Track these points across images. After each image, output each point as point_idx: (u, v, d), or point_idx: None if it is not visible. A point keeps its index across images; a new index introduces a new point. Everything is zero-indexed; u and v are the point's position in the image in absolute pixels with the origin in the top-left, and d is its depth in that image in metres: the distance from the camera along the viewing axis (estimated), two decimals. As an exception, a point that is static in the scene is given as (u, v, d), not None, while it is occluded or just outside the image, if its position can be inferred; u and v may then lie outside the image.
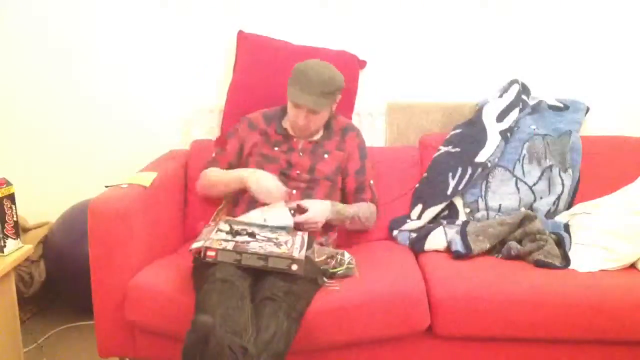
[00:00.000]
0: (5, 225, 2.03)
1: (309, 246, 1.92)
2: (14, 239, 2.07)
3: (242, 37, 2.52)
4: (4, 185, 2.03)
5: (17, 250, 2.08)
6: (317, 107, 2.09)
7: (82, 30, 2.65)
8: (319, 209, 2.09)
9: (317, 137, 2.25)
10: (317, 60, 2.13)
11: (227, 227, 1.93)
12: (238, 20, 2.59)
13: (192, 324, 1.47)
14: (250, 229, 1.92)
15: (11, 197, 2.05)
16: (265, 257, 1.76)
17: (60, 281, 2.54)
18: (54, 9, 2.64)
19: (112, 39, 2.66)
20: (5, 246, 2.03)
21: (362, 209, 2.22)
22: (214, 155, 2.28)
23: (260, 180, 2.05)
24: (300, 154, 2.20)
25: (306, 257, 1.82)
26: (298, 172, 2.18)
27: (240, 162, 2.25)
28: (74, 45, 2.67)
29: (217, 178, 2.22)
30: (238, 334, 1.55)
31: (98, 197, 1.95)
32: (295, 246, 1.84)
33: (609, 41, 2.58)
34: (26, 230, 2.59)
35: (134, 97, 2.70)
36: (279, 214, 2.01)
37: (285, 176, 2.16)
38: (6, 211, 2.03)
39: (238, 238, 1.86)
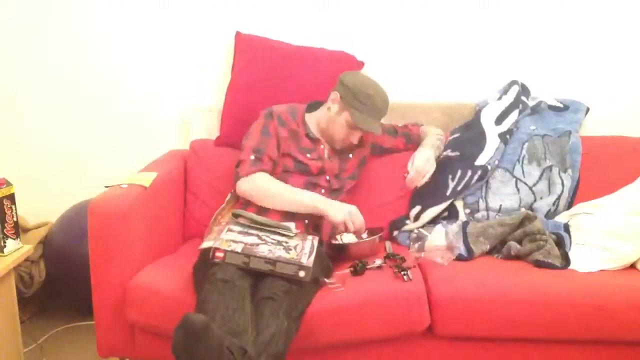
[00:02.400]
0: (5, 225, 2.03)
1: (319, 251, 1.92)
2: (14, 239, 2.07)
3: (240, 37, 2.53)
4: (4, 185, 2.03)
5: (17, 250, 2.09)
6: (380, 131, 2.14)
7: (82, 31, 2.66)
8: (424, 154, 2.23)
9: None
10: (368, 78, 2.14)
11: (238, 228, 1.92)
12: (237, 20, 2.59)
13: (183, 319, 1.45)
14: (259, 231, 1.91)
15: (11, 197, 2.06)
16: (273, 261, 1.76)
17: (60, 281, 2.54)
18: (54, 9, 2.64)
19: (112, 40, 2.66)
20: (5, 246, 2.03)
21: (429, 130, 2.40)
22: (252, 157, 2.11)
23: (354, 216, 2.04)
24: (331, 159, 2.19)
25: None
26: (327, 177, 2.18)
27: (279, 158, 2.17)
28: (74, 46, 2.67)
29: (280, 192, 2.08)
30: (238, 334, 1.55)
31: (98, 197, 1.95)
32: (304, 251, 1.83)
33: (609, 42, 2.58)
34: (26, 230, 2.59)
35: (133, 97, 2.70)
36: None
37: (312, 184, 2.14)
38: (6, 211, 2.03)
39: (247, 239, 1.85)
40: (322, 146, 2.20)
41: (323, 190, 2.16)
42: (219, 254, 1.76)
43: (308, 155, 2.16)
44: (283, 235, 1.93)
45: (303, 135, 2.18)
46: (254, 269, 1.76)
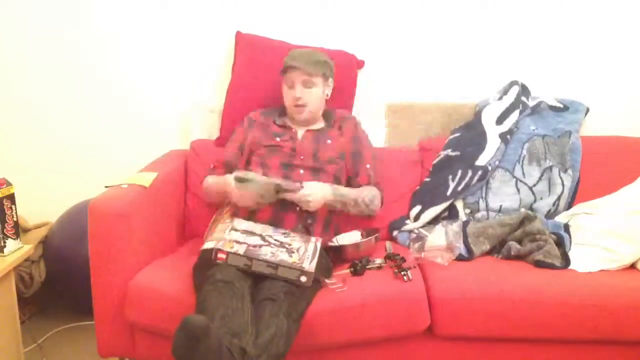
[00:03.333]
0: (5, 225, 2.03)
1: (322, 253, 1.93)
2: (14, 239, 2.07)
3: (240, 37, 2.53)
4: (4, 185, 2.03)
5: (17, 250, 2.09)
6: (311, 69, 2.15)
7: (83, 31, 2.65)
8: (315, 187, 2.03)
9: (317, 126, 2.26)
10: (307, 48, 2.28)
11: (242, 226, 1.92)
12: (237, 20, 2.59)
13: (183, 322, 1.45)
14: (263, 232, 1.91)
15: (11, 197, 2.06)
16: (275, 265, 1.76)
17: (60, 281, 2.54)
18: (54, 9, 2.64)
19: (113, 39, 2.66)
20: (5, 246, 2.04)
21: (364, 192, 2.18)
22: (210, 167, 2.30)
23: (244, 196, 2.01)
24: (303, 140, 2.22)
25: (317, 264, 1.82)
26: (302, 157, 2.18)
27: (240, 160, 2.26)
28: (74, 46, 2.66)
29: (210, 187, 2.23)
30: (238, 335, 1.55)
31: (98, 197, 1.95)
32: (307, 254, 1.83)
33: (609, 42, 2.58)
34: (26, 230, 2.59)
35: (134, 97, 2.70)
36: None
37: (289, 165, 2.16)
38: (6, 211, 2.03)
39: (250, 240, 1.84)
40: (293, 129, 2.25)
41: (302, 171, 2.15)
42: (221, 255, 1.76)
43: (278, 139, 2.21)
44: (287, 236, 1.93)
45: (272, 125, 2.27)
46: (256, 272, 1.76)
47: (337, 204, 2.11)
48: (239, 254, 1.75)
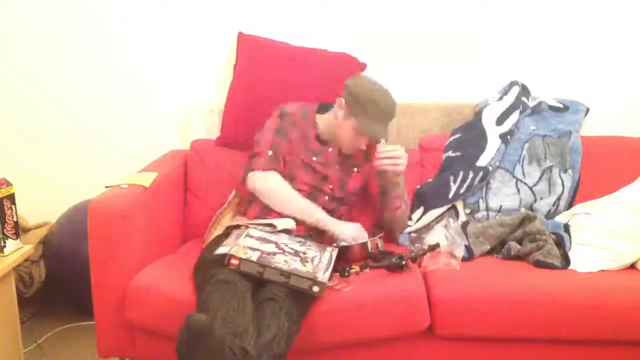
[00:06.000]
0: (5, 225, 2.03)
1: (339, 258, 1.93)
2: (14, 239, 2.07)
3: (242, 38, 2.53)
4: (4, 186, 2.03)
5: (17, 250, 2.09)
6: (388, 137, 2.09)
7: (82, 31, 2.65)
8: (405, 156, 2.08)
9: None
10: (375, 83, 2.10)
11: (257, 234, 1.90)
12: (238, 21, 2.58)
13: (186, 320, 1.46)
14: (279, 240, 1.90)
15: (11, 197, 2.06)
16: (288, 274, 1.74)
17: (60, 281, 2.55)
18: (55, 9, 2.64)
19: (113, 40, 2.66)
20: (5, 246, 2.03)
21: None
22: (270, 153, 2.10)
23: (358, 239, 2.05)
24: (337, 166, 2.17)
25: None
26: (331, 186, 2.16)
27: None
28: (74, 46, 2.66)
29: (291, 199, 2.08)
30: (239, 335, 1.55)
31: (98, 197, 1.95)
32: (321, 264, 1.82)
33: (609, 41, 2.58)
34: (26, 230, 2.59)
35: (134, 97, 2.70)
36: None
37: (318, 189, 2.14)
38: (6, 211, 2.03)
39: (265, 247, 1.82)
40: (330, 149, 2.17)
41: (327, 197, 2.15)
42: (234, 262, 1.74)
43: (314, 159, 2.14)
44: (303, 245, 1.92)
45: (313, 137, 2.17)
46: (268, 280, 1.75)
47: (402, 186, 2.16)
48: (251, 261, 1.73)
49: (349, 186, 2.19)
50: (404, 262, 1.93)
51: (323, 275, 1.76)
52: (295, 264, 1.78)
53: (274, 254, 1.80)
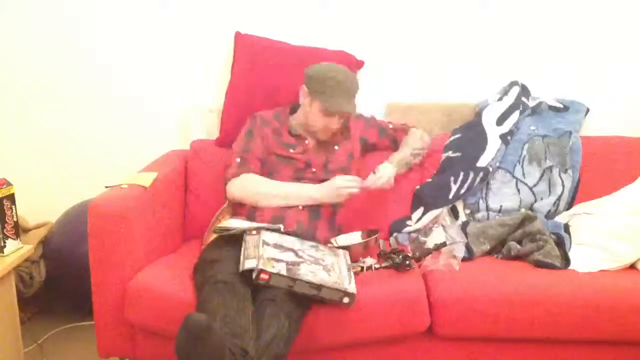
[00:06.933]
0: (5, 225, 2.03)
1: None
2: (14, 239, 2.07)
3: (239, 37, 2.53)
4: (4, 186, 2.04)
5: (17, 250, 2.09)
6: (355, 110, 2.15)
7: (82, 31, 2.65)
8: (384, 169, 2.20)
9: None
10: (330, 64, 2.16)
11: (271, 239, 1.89)
12: (236, 20, 2.58)
13: (185, 320, 1.46)
14: (293, 246, 1.90)
15: (11, 197, 2.06)
16: (318, 286, 1.73)
17: (60, 281, 2.54)
18: (55, 9, 2.64)
19: (112, 40, 2.66)
20: (5, 246, 2.04)
21: (410, 141, 2.36)
22: (238, 159, 2.17)
23: (342, 189, 2.09)
24: (317, 151, 2.21)
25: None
26: (314, 170, 2.18)
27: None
28: (74, 47, 2.66)
29: (270, 190, 2.12)
30: (239, 336, 1.55)
31: (98, 197, 1.95)
32: (342, 273, 1.83)
33: (608, 42, 2.58)
34: (26, 230, 2.59)
35: (133, 97, 2.69)
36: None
37: (301, 178, 2.16)
38: (6, 211, 2.03)
39: (285, 256, 1.82)
40: (306, 141, 2.22)
41: (311, 182, 2.16)
42: (264, 276, 1.72)
43: (292, 150, 2.19)
44: (317, 250, 1.93)
45: (285, 134, 2.22)
46: (297, 292, 1.74)
47: (403, 169, 2.31)
48: (282, 275, 1.72)
49: (332, 164, 2.21)
50: (407, 262, 1.93)
51: (350, 286, 1.77)
52: (321, 274, 1.78)
53: (298, 263, 1.80)
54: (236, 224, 1.96)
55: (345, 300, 1.75)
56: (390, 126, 2.41)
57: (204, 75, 2.66)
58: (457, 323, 1.86)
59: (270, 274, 1.71)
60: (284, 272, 1.73)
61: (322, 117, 2.13)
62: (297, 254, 1.85)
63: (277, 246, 1.86)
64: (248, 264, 1.77)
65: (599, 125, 2.57)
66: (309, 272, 1.76)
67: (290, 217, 2.07)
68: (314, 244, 1.97)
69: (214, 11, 2.61)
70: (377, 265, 1.98)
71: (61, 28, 2.66)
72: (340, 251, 1.97)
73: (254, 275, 1.72)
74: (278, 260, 1.77)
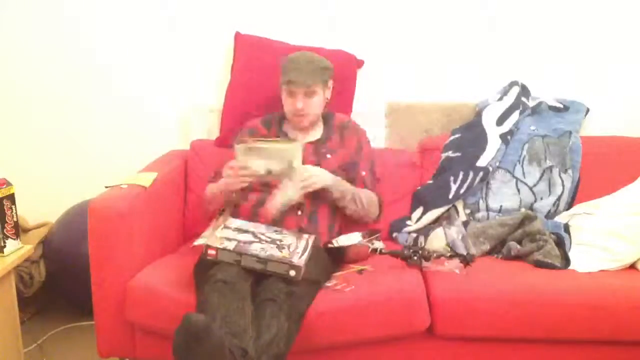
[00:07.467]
0: (5, 225, 2.03)
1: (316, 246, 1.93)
2: (14, 239, 2.07)
3: (239, 38, 2.53)
4: (4, 186, 2.04)
5: (17, 250, 2.09)
6: (311, 81, 2.11)
7: (82, 32, 2.66)
8: (318, 170, 2.08)
9: (317, 135, 2.24)
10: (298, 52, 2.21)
11: (235, 224, 1.93)
12: (236, 20, 2.58)
13: (183, 320, 1.46)
14: (256, 230, 1.92)
15: (11, 197, 2.06)
16: (264, 260, 1.77)
17: (60, 281, 2.54)
18: (54, 10, 2.64)
19: (112, 40, 2.66)
20: (5, 246, 2.04)
21: (362, 192, 2.18)
22: (213, 175, 2.22)
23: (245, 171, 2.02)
24: (310, 155, 2.17)
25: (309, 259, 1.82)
26: None
27: None
28: (73, 47, 2.67)
29: (211, 193, 2.14)
30: (238, 335, 1.55)
31: (98, 197, 1.95)
32: (297, 250, 1.83)
33: (608, 42, 2.58)
34: (26, 230, 2.59)
35: (133, 97, 2.70)
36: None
37: None
38: (6, 211, 2.03)
39: (242, 237, 1.85)
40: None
41: None
42: (211, 252, 1.77)
43: None
44: (280, 233, 1.94)
45: (274, 137, 2.21)
46: (245, 267, 1.77)
47: (335, 192, 2.10)
48: (228, 250, 1.77)
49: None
50: (416, 258, 1.94)
51: (299, 259, 1.78)
52: (271, 251, 1.80)
53: (251, 242, 1.83)
54: (236, 224, 1.96)
55: (292, 273, 1.75)
56: (363, 173, 2.23)
57: (204, 75, 2.66)
58: (457, 323, 1.86)
59: (217, 249, 1.76)
60: (230, 248, 1.77)
61: (286, 97, 2.16)
62: (255, 235, 1.89)
63: (238, 229, 1.90)
64: (199, 241, 1.84)
65: (598, 125, 2.57)
66: (259, 249, 1.80)
67: (289, 223, 2.06)
68: (279, 229, 1.98)
69: (214, 11, 2.62)
70: (385, 251, 1.99)
71: (61, 28, 2.66)
72: (306, 235, 1.97)
73: (203, 252, 1.77)
74: (230, 240, 1.82)
